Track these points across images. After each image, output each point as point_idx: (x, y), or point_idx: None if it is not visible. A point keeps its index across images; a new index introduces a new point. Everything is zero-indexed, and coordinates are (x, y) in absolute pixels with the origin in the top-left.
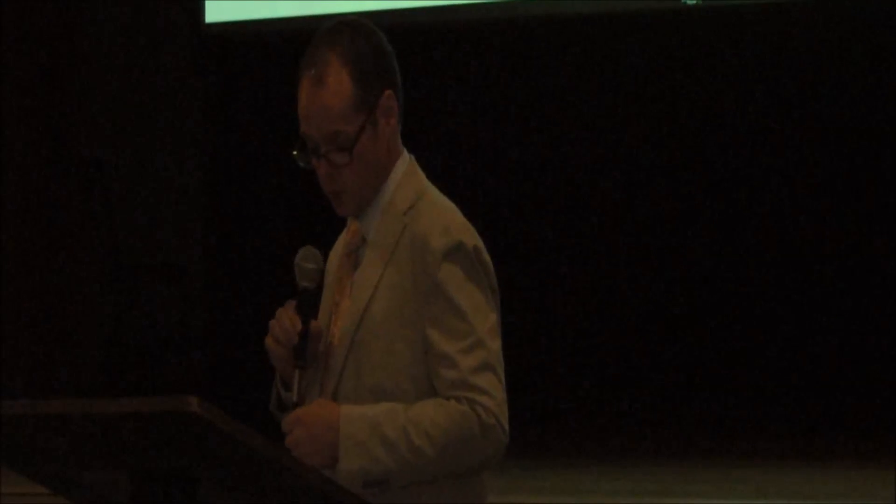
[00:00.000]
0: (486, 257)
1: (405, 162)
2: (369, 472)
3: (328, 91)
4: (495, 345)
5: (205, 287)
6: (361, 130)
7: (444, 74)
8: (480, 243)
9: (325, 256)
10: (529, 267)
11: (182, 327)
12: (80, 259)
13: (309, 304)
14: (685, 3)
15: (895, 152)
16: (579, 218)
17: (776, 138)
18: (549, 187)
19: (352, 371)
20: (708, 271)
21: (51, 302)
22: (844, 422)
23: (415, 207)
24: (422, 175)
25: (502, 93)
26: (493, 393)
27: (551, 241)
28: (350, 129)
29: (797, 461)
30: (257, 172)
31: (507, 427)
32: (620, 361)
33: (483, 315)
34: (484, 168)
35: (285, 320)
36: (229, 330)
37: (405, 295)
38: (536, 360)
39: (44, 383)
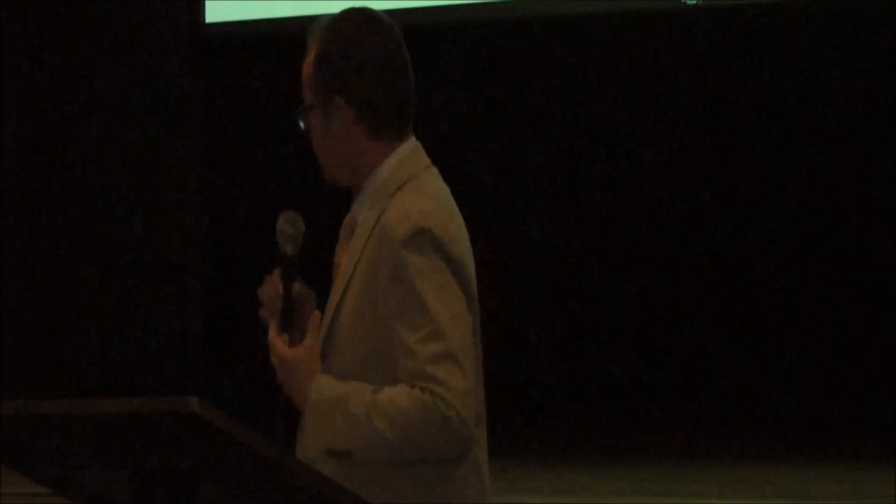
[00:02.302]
0: (454, 248)
1: (402, 151)
2: (330, 443)
3: (307, 59)
4: (457, 332)
5: (205, 287)
6: (309, 108)
7: (444, 74)
8: (447, 232)
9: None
10: (529, 267)
11: (182, 327)
12: (79, 259)
13: (289, 269)
14: (685, 3)
15: (895, 152)
16: (579, 217)
17: (776, 138)
18: (549, 187)
19: (328, 360)
20: (708, 271)
21: (51, 302)
22: (844, 422)
23: (396, 194)
24: (419, 162)
25: (502, 93)
26: (451, 383)
27: (551, 241)
28: (308, 99)
29: (797, 461)
30: (257, 172)
31: (467, 418)
32: (620, 361)
33: (444, 303)
34: (484, 168)
35: (270, 288)
36: (229, 330)
37: (372, 283)
38: (536, 360)
39: (44, 383)
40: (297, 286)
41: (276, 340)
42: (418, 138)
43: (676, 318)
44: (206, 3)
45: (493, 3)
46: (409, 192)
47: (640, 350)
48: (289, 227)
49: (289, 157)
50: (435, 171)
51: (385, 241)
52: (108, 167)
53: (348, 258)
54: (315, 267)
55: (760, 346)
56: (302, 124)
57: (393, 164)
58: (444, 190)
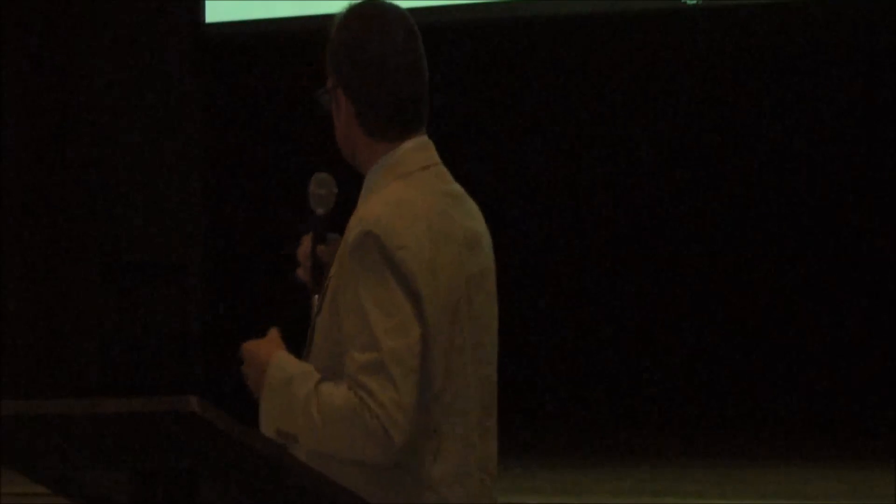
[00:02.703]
0: (401, 254)
1: (395, 155)
2: (278, 423)
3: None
4: (393, 343)
5: (205, 287)
6: (326, 93)
7: (444, 74)
8: (400, 238)
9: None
10: (529, 267)
11: (182, 327)
12: (79, 259)
13: (318, 230)
14: (685, 3)
15: (895, 152)
16: (579, 217)
17: (776, 138)
18: (549, 187)
19: (308, 358)
20: (708, 271)
21: (51, 302)
22: (844, 422)
23: (372, 195)
24: (412, 164)
25: (502, 93)
26: (378, 395)
27: (551, 241)
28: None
29: (797, 461)
30: (257, 172)
31: (392, 430)
32: (620, 361)
33: (383, 312)
34: (484, 168)
35: (305, 247)
36: (229, 330)
37: (335, 287)
38: (536, 360)
39: (44, 383)
40: (319, 248)
41: (249, 344)
42: None
43: (676, 318)
44: (206, 3)
45: (493, 3)
46: (377, 197)
47: (640, 350)
48: (320, 188)
49: (289, 157)
50: (431, 173)
51: (344, 246)
52: (108, 167)
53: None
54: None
55: (760, 346)
56: (323, 105)
57: (387, 165)
58: (426, 193)
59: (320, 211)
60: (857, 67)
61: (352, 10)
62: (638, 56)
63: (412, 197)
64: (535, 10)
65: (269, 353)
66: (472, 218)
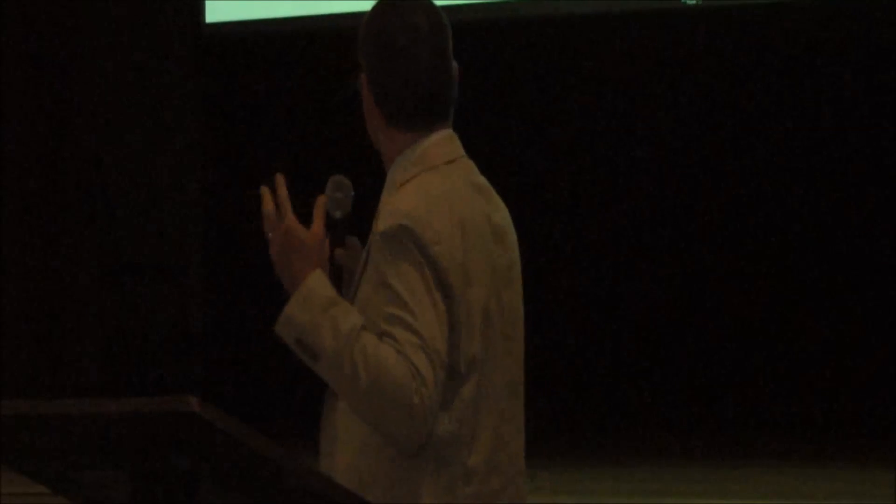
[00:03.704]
0: (436, 249)
1: (422, 146)
2: (304, 335)
3: None
4: (433, 337)
5: (205, 287)
6: (355, 75)
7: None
8: (430, 232)
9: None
10: (529, 266)
11: (182, 327)
12: (79, 259)
13: (336, 233)
14: (685, 3)
15: (895, 152)
16: (579, 217)
17: (776, 138)
18: (549, 187)
19: None
20: (708, 271)
21: (51, 302)
22: (844, 422)
23: (404, 186)
24: (438, 157)
25: (502, 93)
26: (426, 377)
27: (551, 241)
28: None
29: (797, 461)
30: (257, 172)
31: (429, 418)
32: (620, 361)
33: (420, 306)
34: (483, 168)
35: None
36: (229, 330)
37: (365, 279)
38: (536, 360)
39: (44, 383)
40: (337, 251)
41: (291, 214)
42: None
43: (676, 318)
44: (206, 3)
45: (493, 3)
46: (409, 188)
47: (641, 350)
48: (337, 192)
49: (289, 157)
50: (458, 166)
51: (374, 237)
52: (108, 167)
53: (365, 249)
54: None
55: (760, 346)
56: (357, 91)
57: (413, 157)
58: (455, 188)
59: (338, 214)
60: (857, 67)
61: (382, 1)
62: (638, 56)
63: (443, 190)
64: (535, 10)
65: (312, 260)
66: (498, 211)
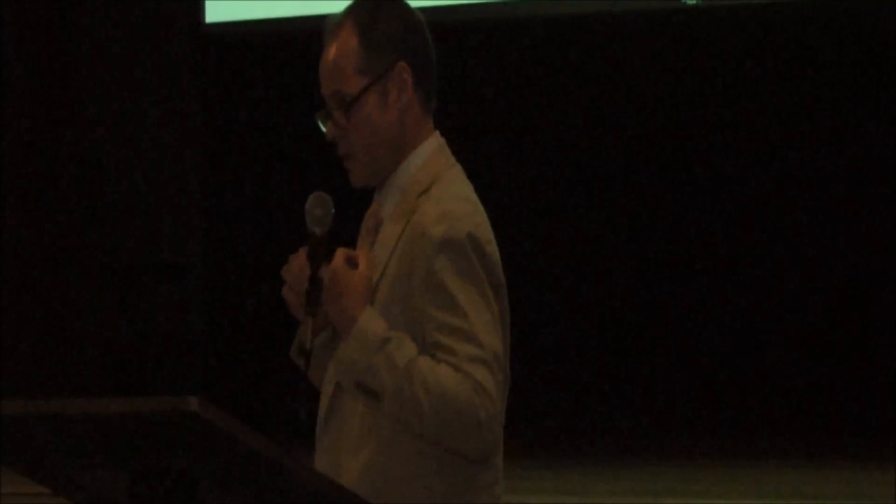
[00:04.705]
0: (490, 249)
1: (432, 144)
2: (363, 376)
3: (335, 50)
4: (492, 342)
5: (205, 287)
6: (363, 93)
7: (443, 75)
8: (485, 234)
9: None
10: (529, 266)
11: (182, 327)
12: (79, 259)
13: (318, 250)
14: (685, 3)
15: (895, 152)
16: (579, 217)
17: (776, 138)
18: (549, 187)
19: None
20: (708, 271)
21: (51, 302)
22: (844, 422)
23: (428, 191)
24: (447, 158)
25: (502, 93)
26: (488, 388)
27: (551, 241)
28: (351, 91)
29: (797, 461)
30: (257, 172)
31: (494, 427)
32: (620, 361)
33: (478, 310)
34: (483, 168)
35: (295, 267)
36: (229, 330)
37: (406, 283)
38: (536, 359)
39: (44, 383)
40: (324, 269)
41: (341, 261)
42: None
43: (677, 318)
44: (206, 3)
45: (493, 3)
46: (442, 192)
47: (640, 350)
48: (317, 208)
49: (289, 157)
50: (460, 168)
51: (420, 242)
52: (108, 167)
53: (378, 251)
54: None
55: (760, 346)
56: (338, 122)
57: (423, 158)
58: (471, 189)
59: (318, 231)
60: (857, 67)
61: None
62: (638, 56)
63: (471, 192)
64: (535, 10)
65: (361, 299)
66: None
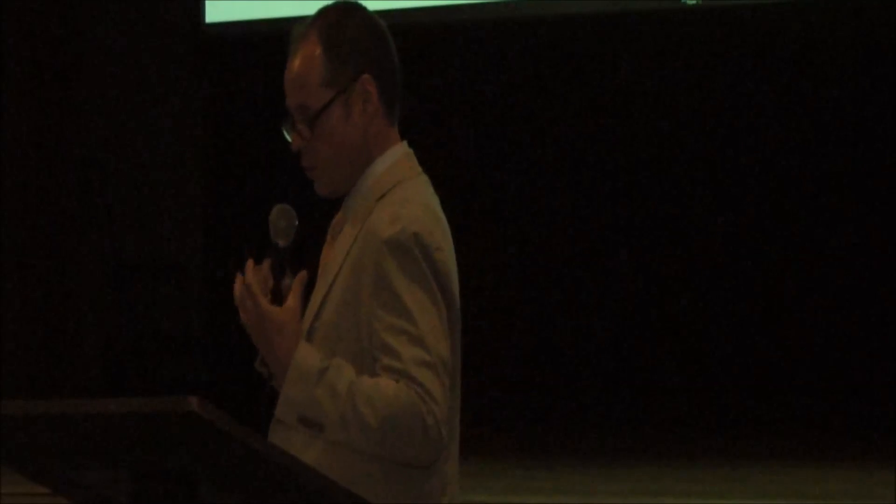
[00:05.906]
0: (439, 255)
1: (396, 152)
2: (305, 411)
3: (299, 63)
4: (438, 346)
5: (205, 287)
6: (327, 106)
7: (444, 75)
8: (435, 240)
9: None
10: (528, 266)
11: (182, 327)
12: (79, 259)
13: (281, 262)
14: (685, 3)
15: (895, 152)
16: (578, 217)
17: (776, 138)
18: (549, 187)
19: None
20: (708, 271)
21: (51, 302)
22: (844, 422)
23: (386, 196)
24: (411, 166)
25: (502, 93)
26: (433, 391)
27: (551, 241)
28: (315, 104)
29: (797, 461)
30: (257, 172)
31: (443, 430)
32: (620, 361)
33: (425, 312)
34: (483, 168)
35: (253, 277)
36: (229, 330)
37: (356, 286)
38: (536, 359)
39: (44, 383)
40: (287, 280)
41: (262, 299)
42: (417, 139)
43: (677, 317)
44: (206, 3)
45: (493, 3)
46: (398, 197)
47: (640, 350)
48: (281, 220)
49: (289, 158)
50: (426, 178)
51: (371, 245)
52: (109, 167)
53: (333, 258)
54: (309, 265)
55: (762, 346)
56: (302, 134)
57: (386, 165)
58: (434, 199)
59: (281, 243)
60: (857, 67)
61: (326, 12)
62: (638, 56)
63: (432, 199)
64: (535, 10)
65: (293, 336)
66: None
